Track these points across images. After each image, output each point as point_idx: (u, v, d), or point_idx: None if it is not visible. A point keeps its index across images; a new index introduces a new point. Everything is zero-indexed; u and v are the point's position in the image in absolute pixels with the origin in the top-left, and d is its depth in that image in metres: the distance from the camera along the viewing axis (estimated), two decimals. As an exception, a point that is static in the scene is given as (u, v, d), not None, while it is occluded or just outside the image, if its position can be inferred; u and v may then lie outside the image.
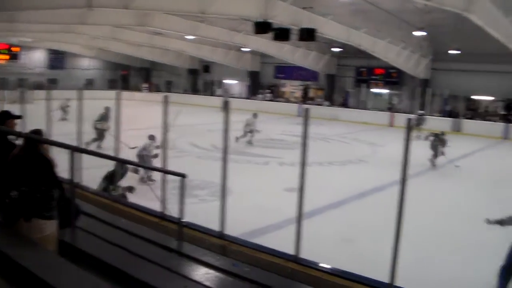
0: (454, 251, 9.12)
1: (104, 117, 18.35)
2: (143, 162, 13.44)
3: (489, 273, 6.94)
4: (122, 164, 10.35)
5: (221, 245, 6.42)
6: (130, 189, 10.60)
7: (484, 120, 33.77)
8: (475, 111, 36.09)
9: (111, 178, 10.21)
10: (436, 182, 16.18)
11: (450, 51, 31.77)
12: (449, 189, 15.12)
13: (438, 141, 17.47)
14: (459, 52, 31.34)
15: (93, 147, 16.83)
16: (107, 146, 15.95)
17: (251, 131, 21.28)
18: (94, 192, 9.11)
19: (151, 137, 14.00)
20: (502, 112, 34.99)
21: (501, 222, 6.83)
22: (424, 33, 27.92)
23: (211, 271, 5.23)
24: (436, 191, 14.67)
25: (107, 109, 18.28)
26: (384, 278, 4.75)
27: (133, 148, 13.43)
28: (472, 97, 36.62)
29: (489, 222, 6.99)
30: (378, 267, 4.83)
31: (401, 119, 29.47)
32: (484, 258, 8.39)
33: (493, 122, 32.94)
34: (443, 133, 17.67)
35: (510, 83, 33.64)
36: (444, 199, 13.64)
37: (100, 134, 18.15)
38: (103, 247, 5.59)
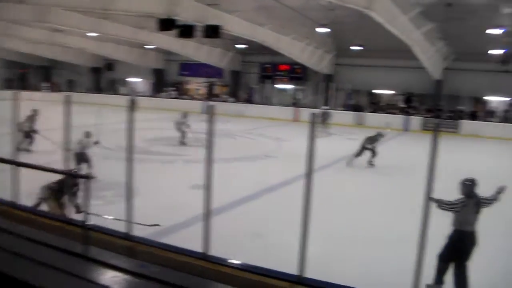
0: (368, 243, 9.30)
1: (30, 119, 17.59)
2: (82, 161, 13.17)
3: (401, 264, 7.11)
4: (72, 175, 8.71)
5: (128, 247, 6.27)
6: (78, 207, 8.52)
7: (386, 113, 35.10)
8: (377, 105, 37.39)
9: (58, 190, 8.66)
10: (345, 174, 16.51)
11: (352, 47, 32.73)
12: (357, 181, 15.45)
13: (374, 141, 17.28)
14: (361, 48, 32.34)
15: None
16: (38, 149, 15.91)
17: (182, 131, 20.80)
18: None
19: (87, 134, 13.60)
20: (402, 105, 36.54)
21: (436, 202, 6.76)
22: (327, 30, 28.52)
23: (119, 274, 5.09)
24: (346, 183, 14.98)
25: (34, 111, 17.59)
26: (294, 270, 4.79)
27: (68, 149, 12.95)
28: (374, 91, 37.98)
29: (431, 199, 7.00)
30: (288, 260, 4.86)
31: (306, 114, 30.10)
32: (396, 251, 8.61)
33: (394, 115, 34.26)
34: (380, 134, 17.40)
35: (409, 78, 35.23)
36: (354, 191, 13.88)
37: (27, 136, 17.40)
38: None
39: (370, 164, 17.19)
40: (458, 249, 6.82)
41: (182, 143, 20.66)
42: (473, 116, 33.78)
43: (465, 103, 34.76)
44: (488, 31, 25.93)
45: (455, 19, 25.98)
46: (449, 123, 31.61)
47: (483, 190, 6.89)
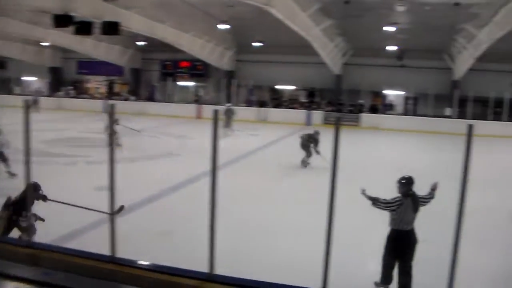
0: (277, 236, 9.35)
1: None
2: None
3: (312, 254, 7.20)
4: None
5: (31, 255, 6.01)
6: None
7: (288, 108, 35.68)
8: (279, 100, 37.90)
9: (18, 205, 7.20)
10: (250, 170, 16.60)
11: (253, 43, 33.00)
12: (262, 176, 15.56)
13: (311, 140, 16.55)
14: (262, 44, 32.68)
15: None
16: None
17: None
18: None
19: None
20: (304, 100, 37.27)
21: (372, 200, 6.81)
22: (227, 26, 28.61)
23: (21, 285, 4.87)
24: (251, 179, 15.05)
25: None
26: (204, 268, 4.76)
27: None
28: (276, 87, 38.46)
29: (363, 193, 6.90)
30: (198, 258, 4.82)
31: (208, 111, 30.02)
32: (305, 242, 8.67)
33: (296, 110, 34.90)
34: (317, 132, 16.72)
35: (310, 73, 35.92)
36: (260, 186, 13.97)
37: None
38: None
39: (307, 163, 16.65)
40: (398, 248, 6.68)
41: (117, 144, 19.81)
42: (373, 110, 35.03)
43: (365, 97, 35.89)
44: (384, 28, 26.98)
45: (353, 16, 26.79)
46: (350, 116, 32.57)
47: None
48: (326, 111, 33.91)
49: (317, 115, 33.48)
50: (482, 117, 31.88)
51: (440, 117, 33.19)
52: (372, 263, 7.45)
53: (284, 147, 22.21)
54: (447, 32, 29.30)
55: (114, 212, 6.77)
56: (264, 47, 33.88)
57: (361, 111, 34.11)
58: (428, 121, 32.10)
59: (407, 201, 6.56)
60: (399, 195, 6.63)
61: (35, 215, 7.24)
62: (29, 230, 6.55)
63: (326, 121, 32.24)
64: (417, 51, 33.05)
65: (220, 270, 4.70)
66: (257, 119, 33.25)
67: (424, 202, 6.74)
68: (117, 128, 19.55)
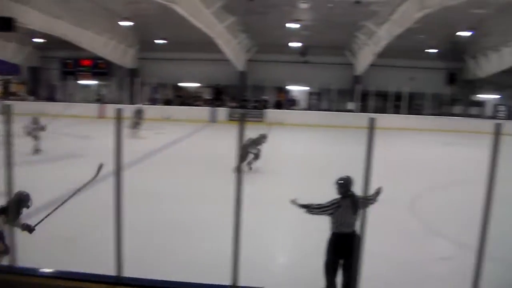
0: (181, 234, 9.22)
1: None
2: None
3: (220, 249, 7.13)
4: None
5: None
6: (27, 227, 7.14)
7: (193, 105, 35.51)
8: (183, 98, 37.65)
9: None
10: (155, 170, 16.32)
11: (157, 41, 32.61)
12: (167, 175, 15.37)
13: (259, 144, 15.64)
14: (165, 41, 32.32)
15: None
16: None
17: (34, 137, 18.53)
18: None
19: None
20: (208, 97, 37.27)
21: (304, 207, 6.41)
22: (130, 23, 28.07)
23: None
24: (157, 178, 14.81)
25: None
26: (112, 271, 4.56)
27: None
28: (180, 84, 38.18)
29: (294, 203, 6.51)
30: (105, 261, 4.61)
31: (111, 110, 29.29)
32: (206, 239, 8.58)
33: (200, 107, 34.78)
34: (264, 136, 15.85)
35: (214, 70, 35.92)
36: (164, 185, 13.79)
37: None
38: None
39: (250, 167, 15.69)
40: (340, 253, 6.24)
41: (36, 151, 18.65)
42: (277, 105, 35.48)
43: (269, 93, 36.32)
44: (288, 25, 27.37)
45: (256, 13, 26.99)
46: (255, 112, 32.80)
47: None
48: (231, 107, 34.01)
49: (222, 112, 33.53)
50: (383, 110, 33.11)
51: (343, 112, 34.16)
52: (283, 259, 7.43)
53: (190, 145, 22.07)
54: (349, 29, 30.16)
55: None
56: (168, 44, 33.57)
57: (265, 107, 34.43)
58: (331, 116, 32.99)
59: (345, 202, 6.21)
60: (337, 197, 6.28)
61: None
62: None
63: (231, 118, 32.38)
64: (320, 48, 33.82)
65: (129, 272, 4.53)
66: (162, 118, 32.84)
67: (365, 203, 5.89)
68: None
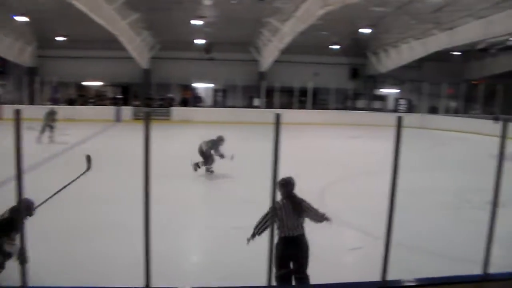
0: (96, 239, 8.95)
1: None
2: None
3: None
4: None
5: None
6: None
7: (96, 105, 34.75)
8: (86, 97, 36.72)
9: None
10: (61, 171, 15.79)
11: (57, 38, 31.59)
12: (70, 176, 14.88)
13: (217, 145, 14.76)
14: (66, 38, 31.38)
15: None
16: None
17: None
18: None
19: None
20: (112, 96, 36.62)
21: (253, 235, 5.98)
22: (26, 19, 27.02)
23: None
24: (62, 181, 14.31)
25: None
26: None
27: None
28: (83, 83, 37.20)
29: (249, 240, 6.01)
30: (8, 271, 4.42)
31: (9, 110, 28.10)
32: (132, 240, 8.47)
33: (104, 107, 34.06)
34: (220, 138, 15.00)
35: (118, 68, 35.25)
36: (77, 187, 13.35)
37: None
38: None
39: (210, 171, 15.12)
40: (288, 257, 5.93)
41: None
42: (183, 103, 35.33)
43: (174, 90, 36.12)
44: (192, 21, 27.28)
45: (160, 10, 26.72)
46: (161, 111, 32.50)
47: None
48: (135, 106, 33.50)
49: (126, 111, 32.88)
50: (289, 106, 33.67)
51: (249, 108, 34.47)
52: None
53: (96, 145, 21.61)
54: (253, 25, 30.47)
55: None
56: (69, 41, 32.62)
57: (171, 105, 34.21)
58: (237, 112, 33.15)
59: (286, 204, 5.93)
60: (280, 198, 5.94)
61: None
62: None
63: (136, 117, 31.81)
64: (224, 44, 33.98)
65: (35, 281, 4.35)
66: (64, 118, 31.81)
67: (310, 214, 6.15)
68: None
